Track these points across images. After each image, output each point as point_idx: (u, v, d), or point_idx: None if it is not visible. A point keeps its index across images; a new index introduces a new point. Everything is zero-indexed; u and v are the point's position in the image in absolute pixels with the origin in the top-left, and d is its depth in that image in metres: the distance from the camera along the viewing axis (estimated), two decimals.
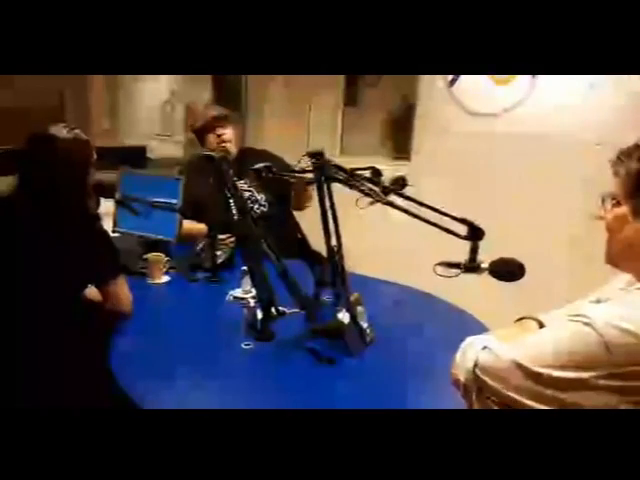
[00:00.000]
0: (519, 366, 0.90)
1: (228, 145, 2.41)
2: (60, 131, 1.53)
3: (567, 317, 0.92)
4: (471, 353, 0.98)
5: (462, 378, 0.99)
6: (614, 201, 0.97)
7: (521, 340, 0.98)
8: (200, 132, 2.47)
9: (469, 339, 1.03)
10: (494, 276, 1.25)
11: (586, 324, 0.86)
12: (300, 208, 2.26)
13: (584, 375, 0.84)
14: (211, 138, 2.43)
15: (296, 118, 3.69)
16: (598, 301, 1.01)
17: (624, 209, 0.95)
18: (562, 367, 0.86)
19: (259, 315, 1.49)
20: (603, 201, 1.00)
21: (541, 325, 1.14)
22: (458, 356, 1.02)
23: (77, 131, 1.57)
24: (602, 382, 0.83)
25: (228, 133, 2.44)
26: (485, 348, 0.97)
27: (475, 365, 0.96)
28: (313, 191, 2.06)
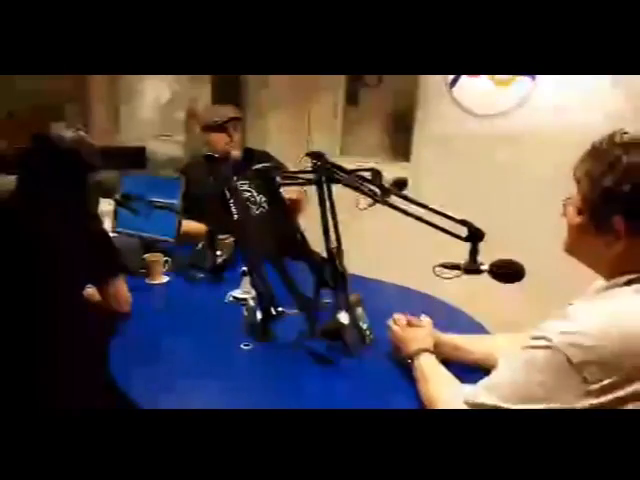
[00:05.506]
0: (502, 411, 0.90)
1: (233, 146, 2.42)
2: (65, 132, 1.53)
3: (530, 338, 0.91)
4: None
5: None
6: (575, 207, 0.97)
7: (495, 379, 0.97)
8: (209, 130, 2.46)
9: (447, 403, 1.05)
10: (494, 277, 1.24)
11: (549, 347, 0.85)
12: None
13: (564, 402, 0.84)
14: (220, 138, 2.42)
15: (296, 118, 3.69)
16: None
17: (585, 219, 0.95)
18: (540, 400, 0.86)
19: (258, 315, 1.49)
20: (565, 207, 1.00)
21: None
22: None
23: (82, 132, 1.57)
24: (581, 403, 0.83)
25: (238, 135, 2.45)
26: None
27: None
28: (305, 193, 2.07)
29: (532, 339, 0.90)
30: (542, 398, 0.85)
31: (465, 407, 0.97)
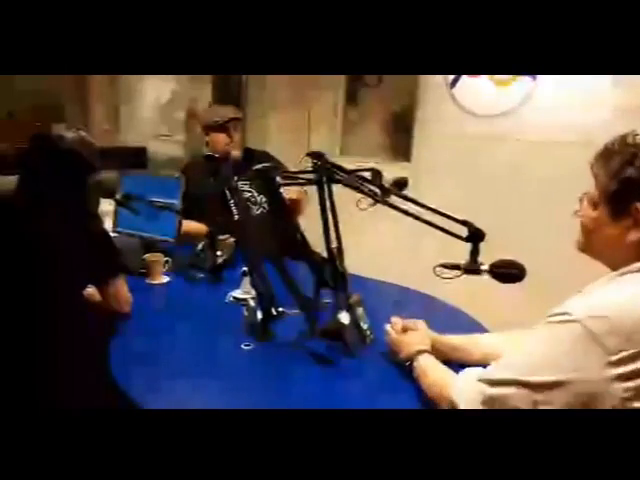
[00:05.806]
0: (523, 384, 0.90)
1: (233, 146, 2.42)
2: (66, 132, 1.53)
3: (547, 318, 0.93)
4: (471, 393, 0.99)
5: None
6: (592, 201, 0.99)
7: (509, 358, 0.98)
8: (210, 130, 2.47)
9: (459, 386, 1.04)
10: (494, 278, 1.24)
11: (570, 321, 0.87)
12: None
13: (586, 372, 0.85)
14: (220, 138, 2.42)
15: (296, 118, 3.69)
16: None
17: (602, 211, 0.97)
18: (562, 371, 0.86)
19: (259, 315, 1.49)
20: (581, 201, 1.02)
21: None
22: (455, 399, 1.03)
23: (83, 133, 1.57)
24: (603, 374, 0.83)
25: (238, 135, 2.45)
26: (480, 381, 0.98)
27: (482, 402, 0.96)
28: (305, 194, 2.07)
29: (551, 316, 0.92)
30: (564, 369, 0.86)
31: (478, 386, 0.97)
